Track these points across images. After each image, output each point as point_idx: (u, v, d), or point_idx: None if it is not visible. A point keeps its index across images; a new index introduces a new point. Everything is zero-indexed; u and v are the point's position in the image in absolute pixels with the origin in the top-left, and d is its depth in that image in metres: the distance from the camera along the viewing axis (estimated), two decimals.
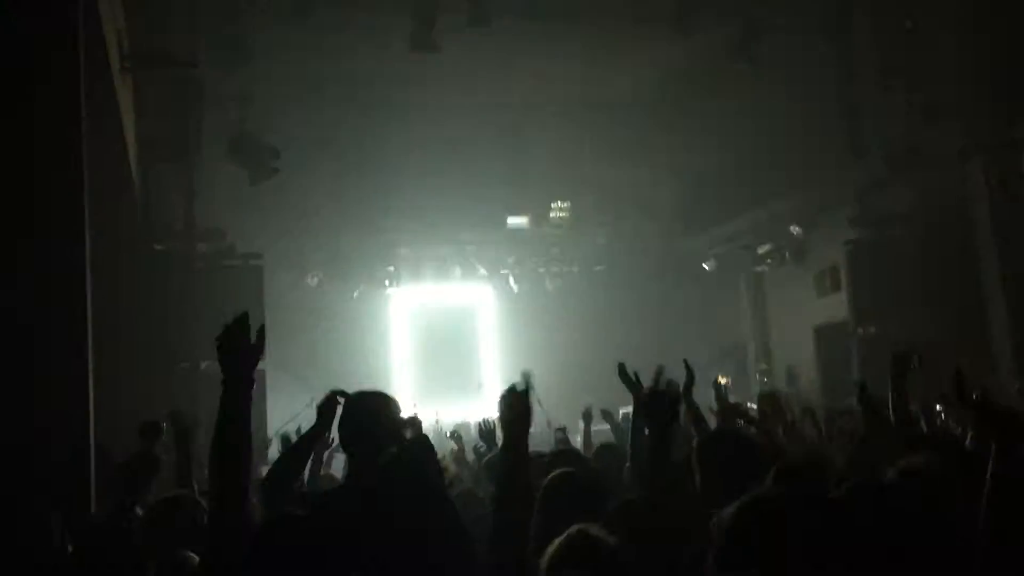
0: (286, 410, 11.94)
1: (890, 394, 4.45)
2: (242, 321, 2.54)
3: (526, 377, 2.75)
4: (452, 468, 5.78)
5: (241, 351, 2.52)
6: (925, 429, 4.95)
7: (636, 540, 2.62)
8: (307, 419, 3.81)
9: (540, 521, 3.08)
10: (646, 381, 4.79)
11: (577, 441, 7.30)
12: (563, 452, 4.76)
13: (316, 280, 16.51)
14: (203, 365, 9.96)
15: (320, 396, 3.55)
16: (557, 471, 3.51)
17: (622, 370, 4.57)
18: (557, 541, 2.37)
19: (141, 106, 9.08)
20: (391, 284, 17.13)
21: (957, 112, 11.08)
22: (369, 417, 3.39)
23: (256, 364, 2.55)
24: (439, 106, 13.68)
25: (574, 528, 2.40)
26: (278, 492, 3.38)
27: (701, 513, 2.48)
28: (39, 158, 4.27)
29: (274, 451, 10.75)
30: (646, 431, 3.28)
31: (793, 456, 4.25)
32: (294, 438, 4.02)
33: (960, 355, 10.03)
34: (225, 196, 11.74)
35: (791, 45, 12.04)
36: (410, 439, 2.86)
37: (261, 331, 2.58)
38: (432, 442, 3.40)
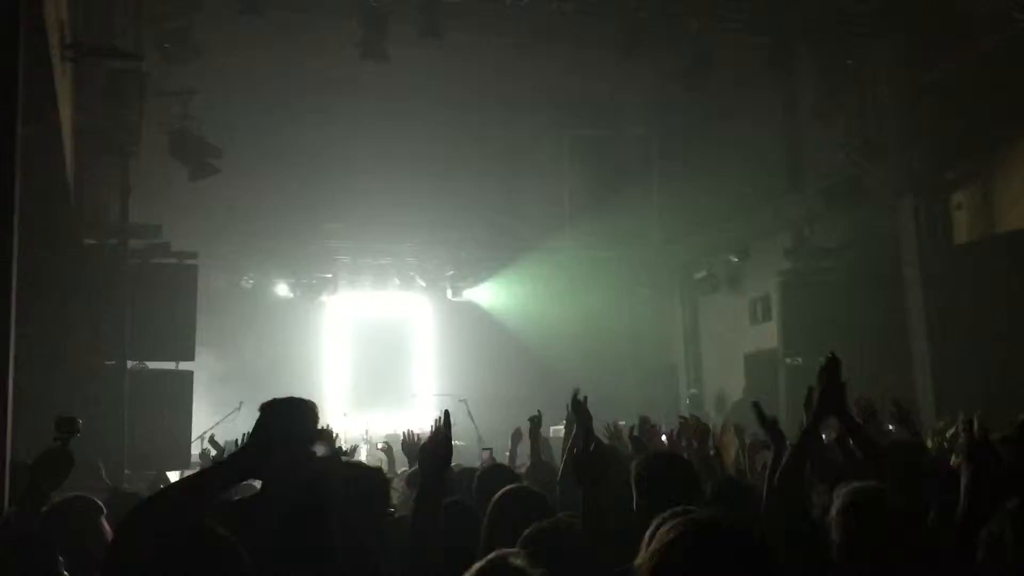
0: (213, 413, 11.78)
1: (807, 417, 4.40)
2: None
3: (447, 416, 2.87)
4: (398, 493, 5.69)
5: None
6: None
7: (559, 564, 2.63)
8: (235, 423, 3.74)
9: (488, 532, 3.12)
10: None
11: (505, 458, 7.31)
12: (497, 468, 4.78)
13: (251, 283, 16.28)
14: (130, 365, 9.76)
15: (249, 402, 3.44)
16: (509, 486, 3.56)
17: (575, 399, 4.65)
18: (475, 566, 2.37)
19: (80, 96, 8.88)
20: (328, 291, 16.97)
21: (892, 150, 11.41)
22: (283, 426, 3.30)
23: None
24: (386, 114, 13.65)
25: (494, 555, 2.37)
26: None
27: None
28: None
29: (195, 458, 10.60)
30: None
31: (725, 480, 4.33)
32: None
33: (883, 390, 10.32)
34: (162, 192, 11.52)
35: (736, 77, 12.30)
36: (327, 457, 2.79)
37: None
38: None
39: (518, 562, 2.30)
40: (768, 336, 13.60)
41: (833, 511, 2.96)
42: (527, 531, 3.00)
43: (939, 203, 11.10)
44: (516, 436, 7.38)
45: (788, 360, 12.25)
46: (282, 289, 16.60)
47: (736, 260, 14.57)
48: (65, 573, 3.06)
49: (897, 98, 11.43)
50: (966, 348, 10.08)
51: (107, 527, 3.39)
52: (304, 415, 3.29)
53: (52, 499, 3.68)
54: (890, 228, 11.60)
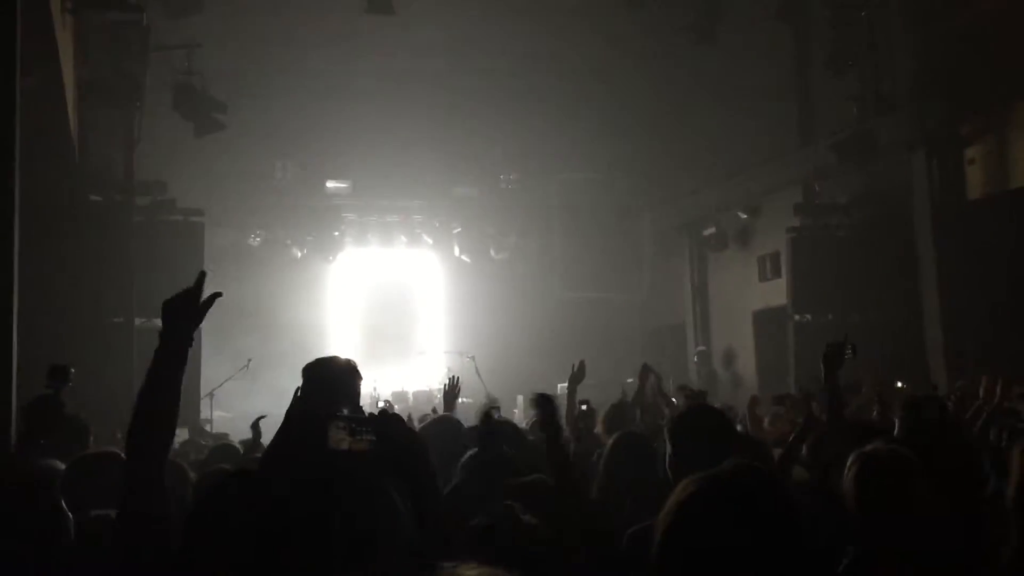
0: (220, 370, 11.81)
1: (825, 385, 4.34)
2: (199, 284, 2.43)
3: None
4: None
5: (190, 315, 2.41)
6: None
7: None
8: (242, 383, 3.71)
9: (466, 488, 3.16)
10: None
11: (515, 415, 7.31)
12: (502, 424, 4.76)
13: (258, 240, 16.23)
14: (137, 322, 9.74)
15: (257, 359, 3.39)
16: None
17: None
18: (479, 518, 2.40)
19: (83, 50, 8.77)
20: (336, 249, 16.92)
21: (905, 104, 11.23)
22: (339, 384, 3.25)
23: (196, 327, 2.46)
24: (390, 71, 13.49)
25: (499, 505, 2.44)
26: None
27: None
28: None
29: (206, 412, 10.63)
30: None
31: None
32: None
33: (894, 347, 10.27)
34: (167, 149, 11.43)
35: (747, 29, 12.09)
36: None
37: (212, 297, 2.48)
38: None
39: (520, 514, 2.40)
40: (777, 293, 13.52)
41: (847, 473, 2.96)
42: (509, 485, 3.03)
43: (952, 158, 10.93)
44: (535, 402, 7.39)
45: (797, 317, 12.19)
46: (289, 247, 16.56)
47: (745, 216, 14.44)
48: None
49: (910, 51, 11.23)
50: (978, 304, 9.99)
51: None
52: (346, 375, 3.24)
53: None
54: (902, 183, 11.45)
